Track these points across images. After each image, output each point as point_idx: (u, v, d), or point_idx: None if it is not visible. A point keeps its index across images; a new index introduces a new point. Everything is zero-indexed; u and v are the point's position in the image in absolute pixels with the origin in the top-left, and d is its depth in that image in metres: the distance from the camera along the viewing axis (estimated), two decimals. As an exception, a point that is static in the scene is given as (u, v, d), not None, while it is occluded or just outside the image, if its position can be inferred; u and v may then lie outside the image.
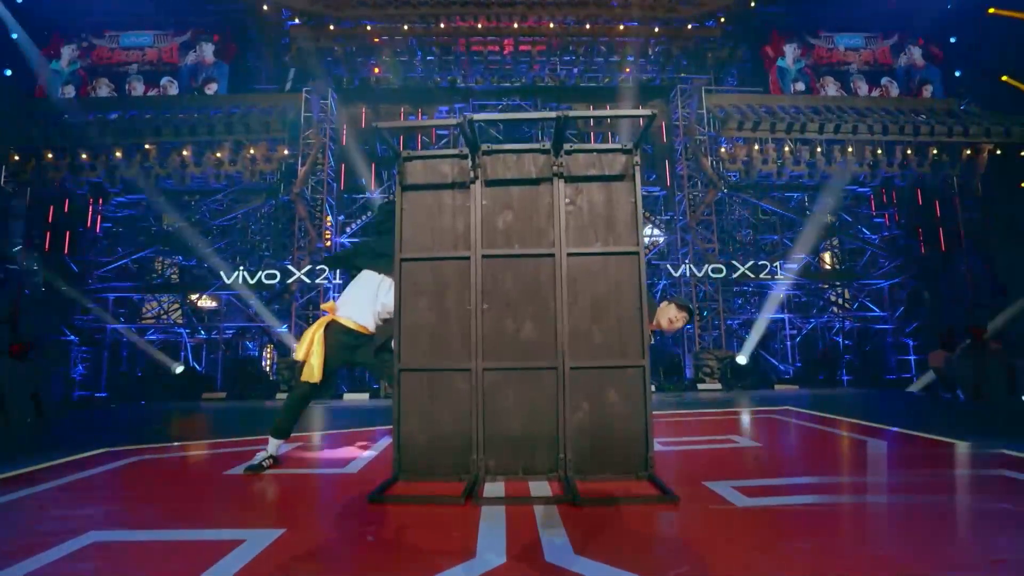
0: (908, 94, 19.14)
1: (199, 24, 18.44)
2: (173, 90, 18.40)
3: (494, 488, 3.08)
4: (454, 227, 3.52)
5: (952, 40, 18.45)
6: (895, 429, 4.92)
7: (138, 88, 18.58)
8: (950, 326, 8.00)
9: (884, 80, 19.84)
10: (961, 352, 7.51)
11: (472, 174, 3.51)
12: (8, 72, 17.62)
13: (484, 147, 3.52)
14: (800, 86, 19.56)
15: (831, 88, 19.51)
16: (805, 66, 19.81)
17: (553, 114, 3.17)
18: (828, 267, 16.82)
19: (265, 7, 11.80)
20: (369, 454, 4.28)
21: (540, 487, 3.08)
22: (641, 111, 3.32)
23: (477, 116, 3.25)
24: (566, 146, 3.55)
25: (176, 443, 5.16)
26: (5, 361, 6.49)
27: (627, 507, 2.70)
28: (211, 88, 18.21)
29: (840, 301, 16.26)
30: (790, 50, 19.69)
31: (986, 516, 2.54)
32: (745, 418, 6.29)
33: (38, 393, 6.98)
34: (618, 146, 3.59)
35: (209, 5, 18.15)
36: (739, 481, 3.18)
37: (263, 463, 3.62)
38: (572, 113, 3.28)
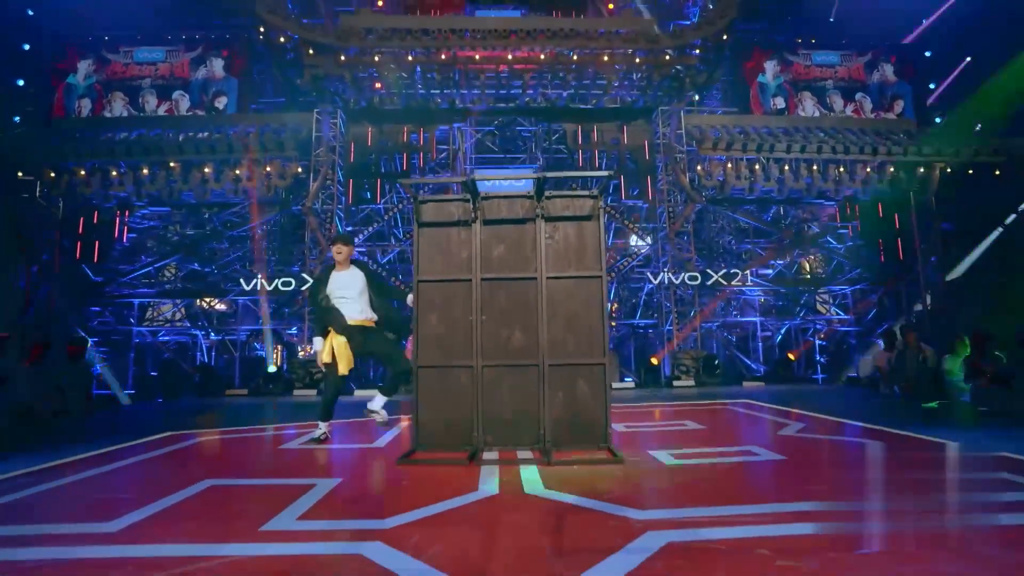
0: (881, 109, 20.32)
1: (208, 40, 19.34)
2: (184, 103, 19.32)
3: (490, 455, 4.11)
4: (459, 256, 4.52)
5: (927, 54, 19.55)
6: (820, 416, 5.97)
7: (151, 101, 19.49)
8: (891, 329, 9.04)
9: (858, 95, 20.99)
10: (897, 353, 8.59)
11: (473, 215, 4.52)
12: (20, 82, 18.42)
13: (482, 194, 4.54)
14: (779, 101, 20.66)
15: (808, 103, 20.64)
16: (784, 82, 20.93)
17: (535, 175, 4.21)
18: (808, 272, 17.95)
19: (282, 39, 12.82)
20: (390, 434, 5.29)
21: (525, 454, 4.11)
22: (602, 172, 4.35)
23: (477, 176, 4.28)
24: (546, 193, 4.57)
25: (222, 429, 6.14)
26: (64, 361, 7.48)
27: (585, 466, 3.74)
28: (221, 102, 19.14)
29: (817, 306, 17.38)
30: (770, 66, 20.80)
31: (843, 466, 3.59)
32: (702, 408, 7.35)
33: (89, 388, 7.96)
34: (587, 192, 4.61)
35: (217, 20, 19.07)
36: (675, 450, 4.23)
37: (321, 437, 4.74)
38: (550, 174, 4.32)
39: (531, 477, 3.43)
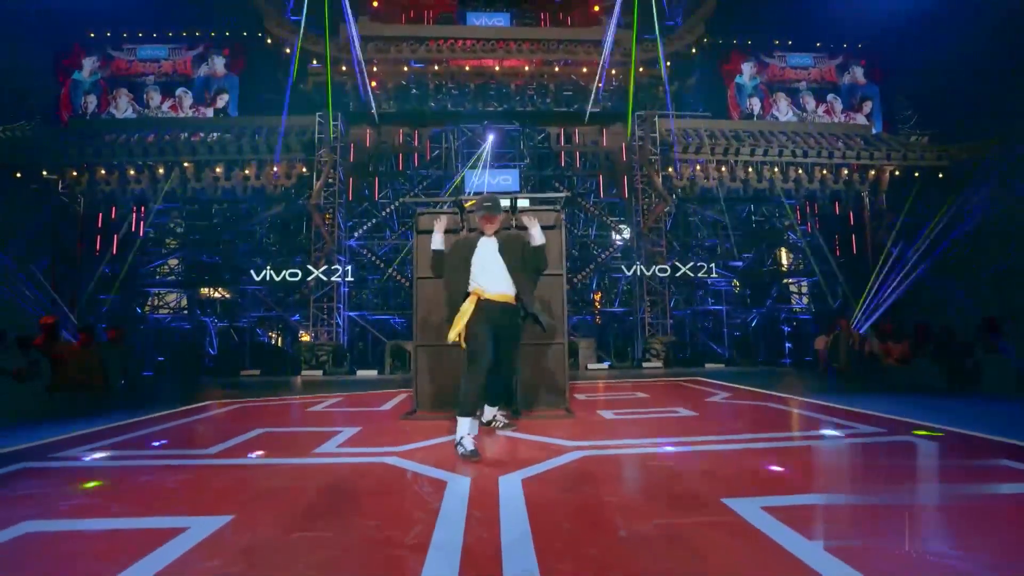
0: (851, 109, 21.53)
1: (209, 38, 20.08)
2: (188, 100, 20.13)
3: (473, 413, 5.28)
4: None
5: (895, 57, 20.72)
6: (749, 388, 7.23)
7: (155, 98, 20.29)
8: (842, 318, 10.28)
9: (830, 97, 22.17)
10: (833, 337, 9.88)
11: (461, 225, 5.65)
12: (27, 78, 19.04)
13: (467, 207, 5.67)
14: (755, 101, 21.77)
15: (783, 103, 21.78)
16: (760, 83, 22.04)
17: (507, 197, 5.35)
18: (785, 264, 19.30)
19: (287, 49, 13.79)
20: (393, 402, 6.48)
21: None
22: (558, 193, 5.49)
23: (467, 204, 5.43)
24: (520, 206, 5.70)
25: (252, 399, 7.28)
26: (106, 344, 8.59)
27: (546, 420, 4.94)
28: (222, 99, 19.97)
29: (787, 295, 18.71)
30: (747, 68, 21.89)
31: (738, 418, 4.81)
32: (656, 384, 8.60)
33: (126, 368, 9.08)
34: (550, 207, 5.76)
35: (217, 19, 19.82)
36: (619, 410, 5.45)
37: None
38: (521, 196, 5.45)
39: (503, 424, 4.63)
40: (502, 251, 3.93)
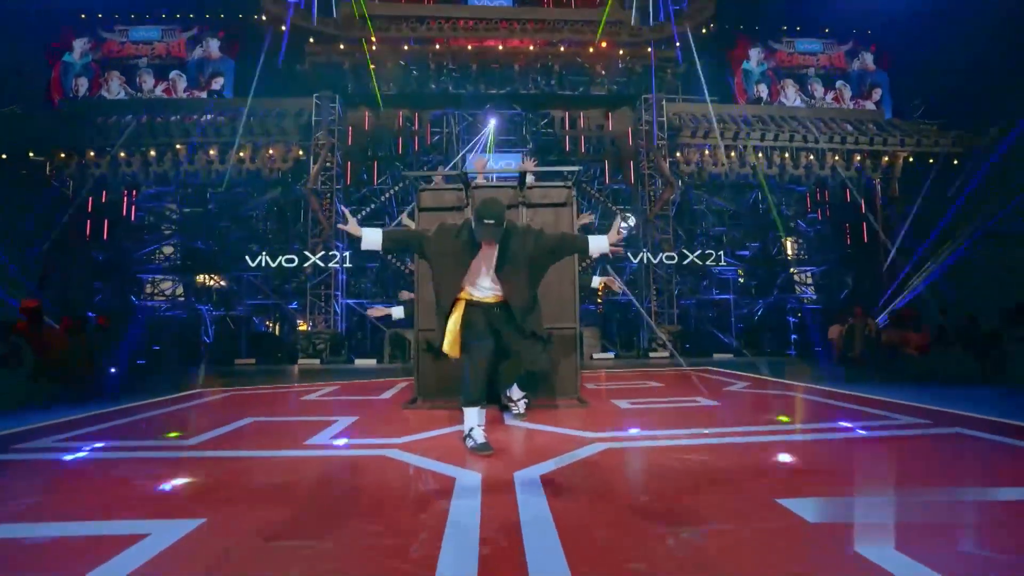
0: (860, 96, 21.05)
1: (204, 20, 19.52)
2: (181, 83, 19.60)
3: (479, 402, 4.94)
4: (453, 237, 5.29)
5: (904, 43, 20.25)
6: (767, 378, 6.89)
7: (148, 81, 19.75)
8: (855, 306, 9.93)
9: (839, 83, 21.66)
10: (848, 326, 9.53)
11: (465, 202, 5.28)
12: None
13: (473, 184, 5.30)
14: (763, 88, 21.28)
15: (791, 90, 21.28)
16: (768, 69, 21.53)
17: (516, 170, 4.96)
18: (791, 253, 18.95)
19: (283, 28, 13.32)
20: (392, 391, 6.14)
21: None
22: (569, 167, 5.12)
23: (470, 171, 5.04)
24: (528, 182, 5.33)
25: (245, 387, 6.94)
26: (95, 330, 8.23)
27: (557, 410, 4.59)
28: (217, 82, 19.45)
29: (793, 284, 18.37)
30: (755, 54, 21.38)
31: (761, 407, 4.48)
32: (668, 373, 8.26)
33: (115, 355, 8.72)
34: (561, 183, 5.38)
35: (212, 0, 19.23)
36: (635, 399, 5.11)
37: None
38: (531, 170, 5.07)
39: (511, 414, 4.28)
40: (500, 271, 3.36)
